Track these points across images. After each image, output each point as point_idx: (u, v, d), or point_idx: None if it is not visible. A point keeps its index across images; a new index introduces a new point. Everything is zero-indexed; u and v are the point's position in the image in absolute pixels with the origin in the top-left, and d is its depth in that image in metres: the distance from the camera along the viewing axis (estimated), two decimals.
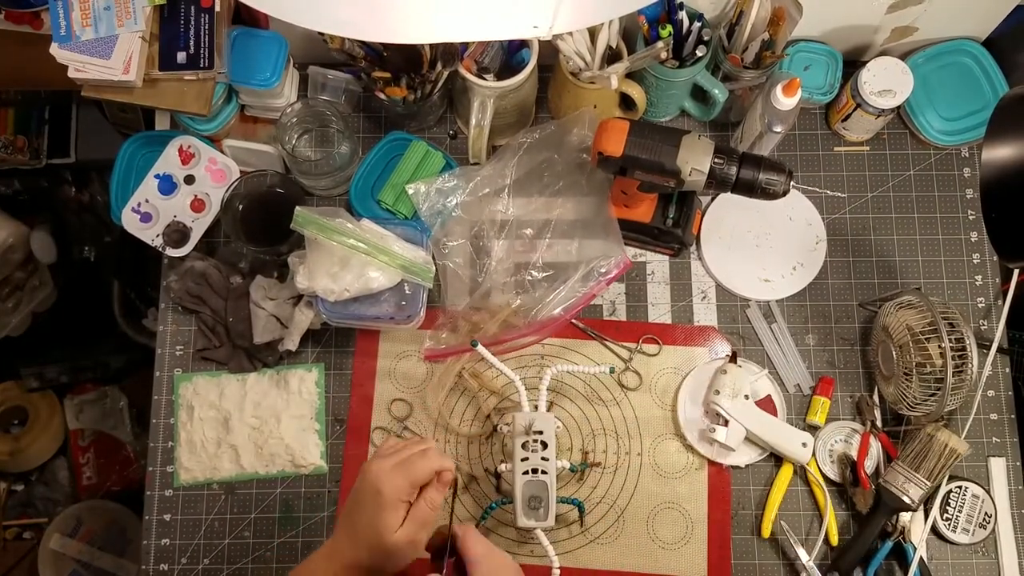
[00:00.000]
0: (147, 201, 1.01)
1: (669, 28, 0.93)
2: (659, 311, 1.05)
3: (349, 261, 0.92)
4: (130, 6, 0.92)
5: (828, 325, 1.05)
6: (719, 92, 1.01)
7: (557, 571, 0.90)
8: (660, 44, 0.93)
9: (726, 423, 0.96)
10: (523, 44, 1.00)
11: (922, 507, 0.97)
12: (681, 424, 1.00)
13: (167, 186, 1.01)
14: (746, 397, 0.97)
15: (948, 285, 1.06)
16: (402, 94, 0.98)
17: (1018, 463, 1.01)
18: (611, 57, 0.99)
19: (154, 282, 1.12)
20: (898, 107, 1.04)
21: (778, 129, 0.96)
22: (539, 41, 0.96)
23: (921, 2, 0.99)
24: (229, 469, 1.01)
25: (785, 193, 0.87)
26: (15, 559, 1.63)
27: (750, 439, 0.98)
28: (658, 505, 0.99)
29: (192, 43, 0.95)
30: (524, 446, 0.91)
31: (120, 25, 0.92)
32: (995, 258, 1.06)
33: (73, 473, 1.68)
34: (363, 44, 0.96)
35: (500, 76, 0.99)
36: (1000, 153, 0.86)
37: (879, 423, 1.01)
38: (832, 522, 0.98)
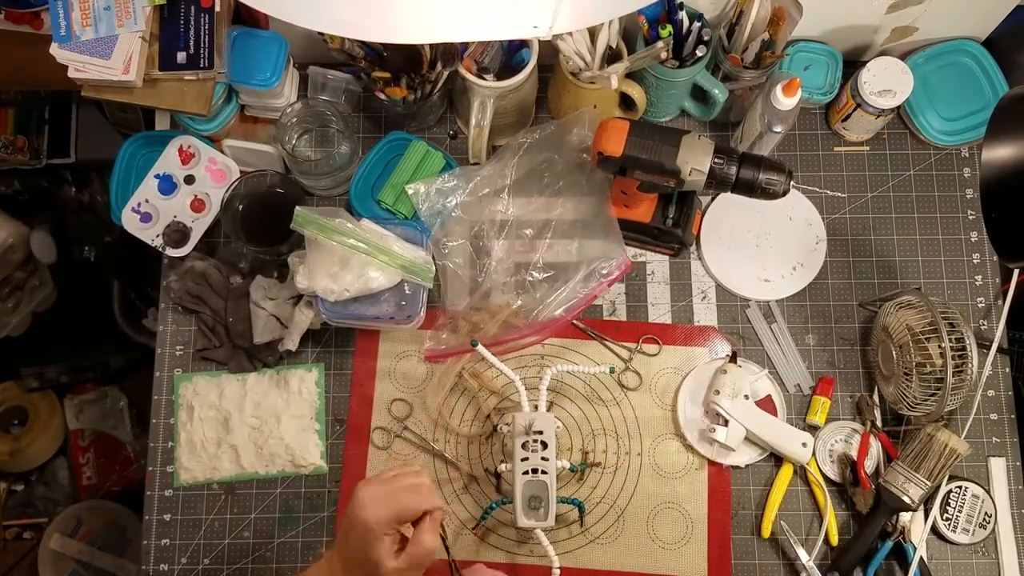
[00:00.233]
0: (147, 201, 1.01)
1: (669, 28, 0.93)
2: (659, 311, 1.05)
3: (349, 261, 0.92)
4: (130, 6, 0.92)
5: (828, 325, 1.05)
6: (719, 92, 1.01)
7: (557, 571, 0.90)
8: (660, 44, 0.93)
9: (726, 423, 0.97)
10: (523, 44, 1.00)
11: (922, 507, 0.97)
12: (681, 424, 1.00)
13: (167, 186, 1.01)
14: (746, 397, 0.97)
15: (948, 285, 1.06)
16: (402, 94, 0.98)
17: (1018, 463, 1.01)
18: (611, 57, 0.99)
19: (154, 282, 1.12)
20: (898, 107, 1.04)
21: (778, 129, 0.96)
22: (539, 41, 0.96)
23: (921, 2, 0.99)
24: (229, 469, 1.01)
25: (785, 193, 0.87)
26: (15, 559, 1.63)
27: (750, 439, 0.98)
28: (658, 505, 0.99)
29: (192, 43, 0.95)
30: (524, 446, 0.91)
31: (120, 25, 0.92)
32: (995, 258, 1.06)
33: (73, 473, 1.68)
34: (363, 44, 0.96)
35: (500, 76, 0.99)
36: (1000, 153, 0.86)
37: (879, 423, 1.01)
38: (832, 522, 0.98)
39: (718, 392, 0.97)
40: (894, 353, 0.96)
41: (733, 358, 1.00)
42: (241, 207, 1.02)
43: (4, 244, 1.47)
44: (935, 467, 0.93)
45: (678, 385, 1.02)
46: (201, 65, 0.95)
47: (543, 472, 0.90)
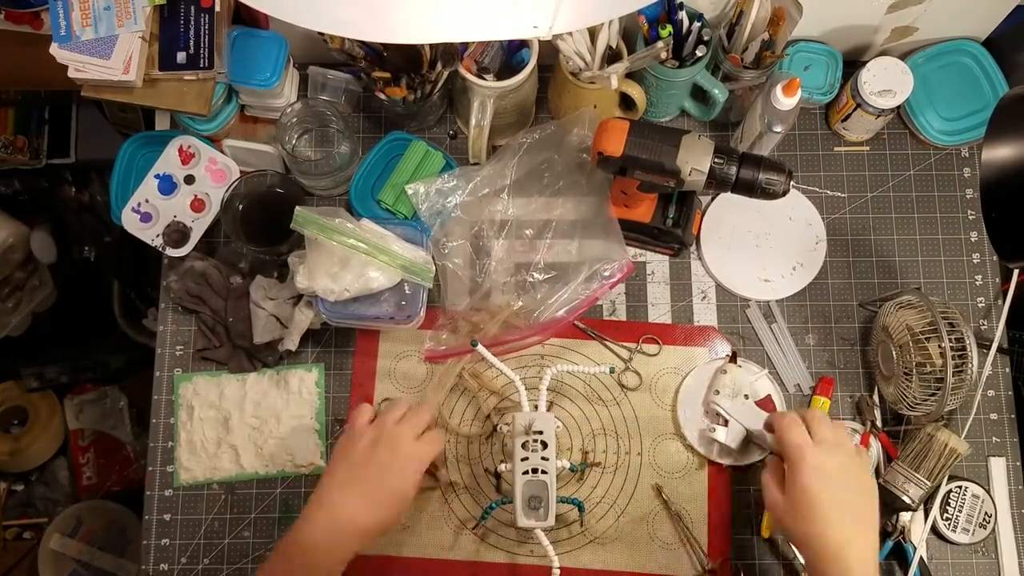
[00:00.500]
0: (147, 201, 1.01)
1: (669, 28, 0.93)
2: (659, 311, 1.05)
3: (349, 261, 0.92)
4: (130, 6, 0.92)
5: (828, 325, 1.05)
6: (719, 92, 1.01)
7: (557, 571, 0.89)
8: (660, 44, 0.93)
9: (726, 423, 0.96)
10: (523, 44, 1.00)
11: (922, 507, 0.97)
12: (681, 424, 1.00)
13: (167, 186, 1.01)
14: (745, 397, 0.97)
15: (948, 285, 1.06)
16: (402, 94, 0.98)
17: (1018, 463, 1.01)
18: (611, 57, 0.99)
19: (154, 282, 1.12)
20: (898, 107, 1.04)
21: (778, 129, 0.96)
22: (539, 41, 0.96)
23: (921, 2, 0.99)
24: (229, 469, 1.01)
25: (785, 193, 0.87)
26: (15, 559, 1.63)
27: (751, 439, 0.98)
28: (658, 505, 0.99)
29: (192, 43, 0.95)
30: (524, 446, 0.91)
31: (120, 25, 0.92)
32: (995, 258, 1.06)
33: (73, 473, 1.68)
34: (363, 44, 0.96)
35: (500, 76, 0.99)
36: (1000, 153, 0.86)
37: (879, 423, 1.01)
38: None
39: (718, 392, 0.97)
40: (894, 353, 0.96)
41: (733, 358, 1.00)
42: (241, 207, 1.02)
43: (4, 244, 1.47)
44: (935, 467, 0.94)
45: (678, 385, 1.02)
46: (201, 65, 0.95)
47: (543, 472, 0.90)
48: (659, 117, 1.10)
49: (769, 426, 0.87)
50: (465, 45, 0.96)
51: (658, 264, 1.07)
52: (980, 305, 1.05)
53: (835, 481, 0.78)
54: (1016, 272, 1.02)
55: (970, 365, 0.90)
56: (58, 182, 1.52)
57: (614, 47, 0.98)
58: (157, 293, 1.06)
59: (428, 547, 0.98)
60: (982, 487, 0.98)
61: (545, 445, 0.90)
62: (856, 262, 1.07)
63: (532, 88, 1.03)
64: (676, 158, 0.86)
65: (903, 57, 1.06)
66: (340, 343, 1.05)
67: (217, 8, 0.95)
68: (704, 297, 1.06)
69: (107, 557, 1.60)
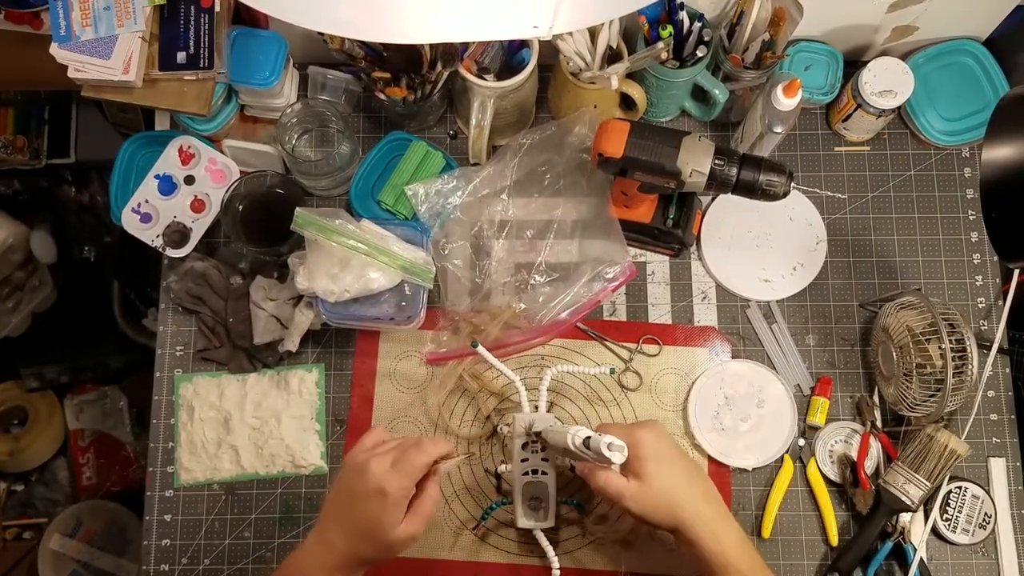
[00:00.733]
0: (147, 201, 1.01)
1: (669, 28, 0.93)
2: (659, 311, 1.05)
3: (349, 262, 0.92)
4: (130, 6, 0.92)
5: (828, 325, 1.05)
6: (719, 92, 1.01)
7: (557, 571, 0.90)
8: (660, 44, 0.93)
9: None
10: (523, 44, 1.00)
11: (922, 508, 0.97)
12: (692, 424, 1.00)
13: (167, 186, 1.01)
14: (536, 434, 0.90)
15: (948, 285, 1.06)
16: (402, 94, 0.98)
17: (1018, 463, 1.01)
18: (611, 57, 0.99)
19: (154, 282, 1.12)
20: (899, 107, 1.04)
21: (779, 130, 0.96)
22: (539, 41, 0.96)
23: (921, 1, 0.99)
24: (229, 469, 1.01)
25: (786, 194, 0.87)
26: (15, 559, 1.63)
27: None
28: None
29: (192, 43, 0.95)
30: (524, 447, 0.91)
31: (120, 25, 0.92)
32: (995, 258, 1.06)
33: (73, 473, 1.68)
34: (363, 44, 0.96)
35: (500, 76, 0.99)
36: (1000, 153, 0.86)
37: (879, 423, 1.01)
38: (832, 523, 0.98)
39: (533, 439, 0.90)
40: (894, 354, 0.96)
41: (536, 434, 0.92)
42: (241, 207, 1.02)
43: (4, 244, 1.47)
44: (935, 468, 0.93)
45: (689, 386, 1.02)
46: (201, 65, 0.95)
47: (543, 473, 0.90)
48: (659, 117, 1.10)
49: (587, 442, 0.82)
50: (465, 45, 0.96)
51: (658, 264, 1.07)
52: (980, 306, 1.05)
53: (670, 447, 0.81)
54: (1016, 272, 1.02)
55: (970, 366, 0.90)
56: (58, 182, 1.52)
57: (614, 47, 0.98)
58: (157, 293, 1.06)
59: (428, 547, 0.98)
60: (982, 488, 0.98)
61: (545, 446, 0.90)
62: (856, 262, 1.06)
63: (532, 88, 1.03)
64: (676, 159, 0.86)
65: (904, 57, 1.06)
66: (340, 344, 1.05)
67: (217, 8, 0.95)
68: (704, 297, 1.06)
69: (107, 557, 1.60)
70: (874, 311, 1.03)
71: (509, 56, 1.01)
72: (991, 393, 1.02)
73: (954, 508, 0.98)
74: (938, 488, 0.96)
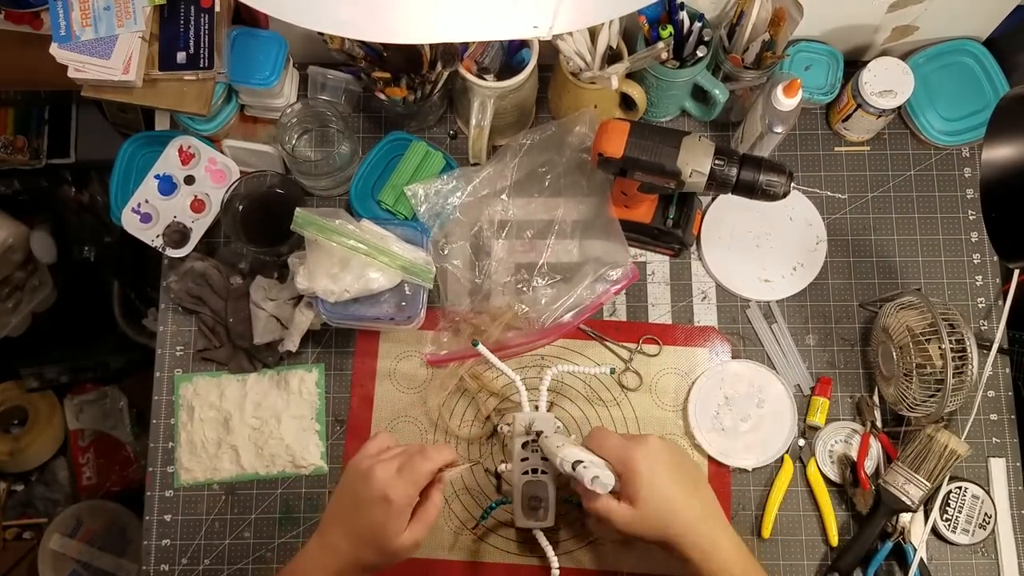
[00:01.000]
0: (147, 201, 1.01)
1: (670, 28, 0.93)
2: (659, 311, 1.05)
3: (349, 262, 0.92)
4: (130, 6, 0.92)
5: (828, 325, 1.05)
6: (720, 92, 1.01)
7: (557, 571, 0.90)
8: (661, 44, 0.93)
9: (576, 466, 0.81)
10: (523, 44, 1.00)
11: (922, 508, 0.97)
12: (692, 425, 1.00)
13: (167, 186, 1.01)
14: (537, 435, 0.90)
15: (948, 285, 1.06)
16: (402, 94, 0.98)
17: (1018, 464, 1.01)
18: (611, 57, 0.99)
19: (154, 282, 1.12)
20: (899, 107, 1.04)
21: (779, 130, 0.96)
22: (539, 41, 0.96)
23: (921, 1, 0.99)
24: (229, 470, 1.01)
25: (786, 195, 0.87)
26: (15, 559, 1.63)
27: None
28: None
29: (192, 43, 0.95)
30: (524, 446, 0.91)
31: (120, 25, 0.92)
32: (995, 258, 1.06)
33: (73, 473, 1.68)
34: (363, 44, 0.96)
35: (500, 76, 0.99)
36: (1000, 153, 0.86)
37: (879, 424, 1.01)
38: (832, 523, 0.98)
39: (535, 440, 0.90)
40: (894, 354, 0.96)
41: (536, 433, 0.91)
42: (241, 207, 1.02)
43: (4, 244, 1.47)
44: (935, 468, 0.93)
45: (689, 386, 1.02)
46: (201, 65, 0.95)
47: (543, 472, 0.90)
48: (659, 117, 1.10)
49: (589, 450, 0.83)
50: (465, 45, 0.96)
51: (658, 264, 1.07)
52: (980, 306, 1.05)
53: (668, 464, 0.78)
54: (1016, 272, 1.02)
55: (970, 366, 0.90)
56: (58, 182, 1.52)
57: (614, 47, 0.98)
58: (157, 293, 1.06)
59: (428, 547, 0.98)
60: (982, 488, 0.98)
61: None
62: (857, 262, 1.06)
63: (532, 88, 1.03)
64: (677, 160, 0.86)
65: (904, 57, 1.06)
66: (340, 344, 1.05)
67: (217, 8, 0.95)
68: (704, 297, 1.06)
69: (107, 557, 1.60)
70: (874, 311, 1.03)
71: (509, 56, 1.01)
72: (991, 393, 1.02)
73: (954, 508, 0.98)
74: (938, 488, 0.96)
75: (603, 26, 0.95)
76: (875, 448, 0.99)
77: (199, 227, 1.01)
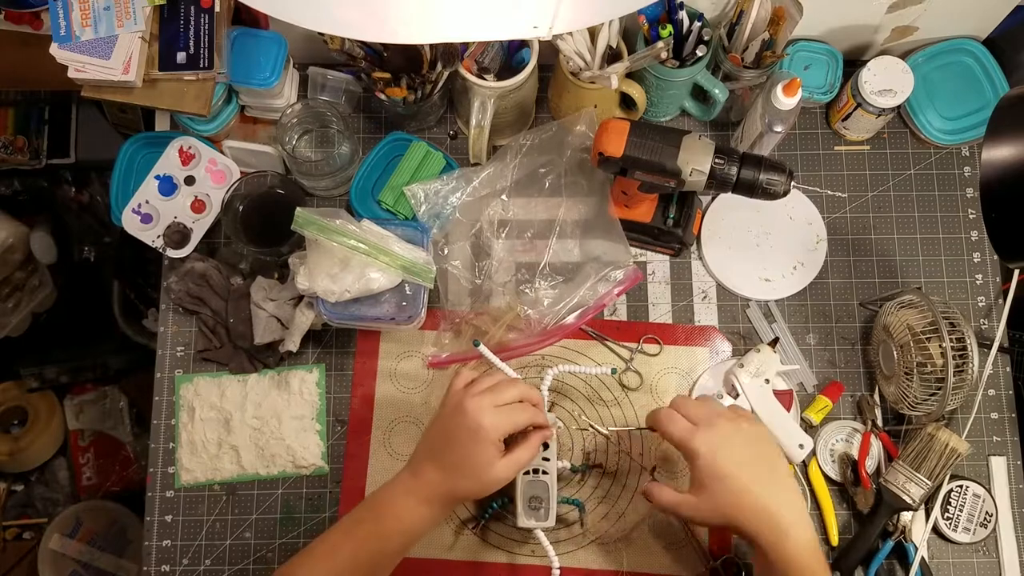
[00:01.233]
0: (147, 202, 1.01)
1: (669, 28, 0.93)
2: (660, 311, 1.05)
3: (350, 262, 0.92)
4: (130, 6, 0.92)
5: (829, 324, 1.05)
6: (719, 92, 1.01)
7: (557, 571, 0.89)
8: (660, 44, 0.93)
9: (736, 396, 0.97)
10: (523, 44, 1.00)
11: (923, 507, 0.97)
12: None
13: (167, 187, 1.01)
14: (766, 381, 0.97)
15: (949, 284, 1.06)
16: (402, 94, 0.98)
17: (1019, 462, 1.01)
18: (611, 57, 0.99)
19: (154, 283, 1.12)
20: (898, 106, 1.04)
21: (778, 129, 0.96)
22: (539, 41, 0.96)
23: (921, 1, 0.99)
24: (230, 470, 1.01)
25: (786, 193, 0.87)
26: (15, 559, 1.63)
27: None
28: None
29: (192, 43, 0.95)
30: None
31: (120, 25, 0.92)
32: (995, 257, 1.06)
33: (73, 473, 1.68)
34: (363, 44, 0.96)
35: (500, 76, 0.99)
36: (1000, 153, 0.85)
37: (880, 422, 1.01)
38: (833, 522, 0.98)
39: (742, 366, 0.98)
40: (895, 353, 0.96)
41: (774, 343, 1.00)
42: (241, 208, 1.02)
43: (4, 244, 1.47)
44: (936, 467, 0.93)
45: (694, 382, 1.02)
46: (201, 65, 0.95)
47: (544, 472, 0.90)
48: (659, 117, 1.10)
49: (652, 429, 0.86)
50: (465, 45, 0.96)
51: (659, 264, 1.07)
52: (981, 304, 1.05)
53: (733, 450, 0.78)
54: (1016, 272, 1.02)
55: (971, 365, 0.90)
56: (58, 182, 1.52)
57: (614, 47, 0.98)
58: (157, 294, 1.06)
59: (428, 547, 0.98)
60: (983, 486, 0.98)
61: (546, 445, 0.90)
62: (857, 261, 1.06)
63: (532, 88, 1.03)
64: (677, 159, 0.86)
65: (904, 56, 1.06)
66: (341, 344, 1.05)
67: (217, 8, 0.95)
68: (705, 297, 1.06)
69: (107, 557, 1.60)
70: (874, 310, 1.03)
71: (509, 56, 1.01)
72: (992, 392, 1.03)
73: (955, 507, 0.98)
74: (939, 487, 0.96)
75: (603, 26, 0.95)
76: (876, 447, 0.99)
77: (199, 227, 1.01)
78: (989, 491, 0.99)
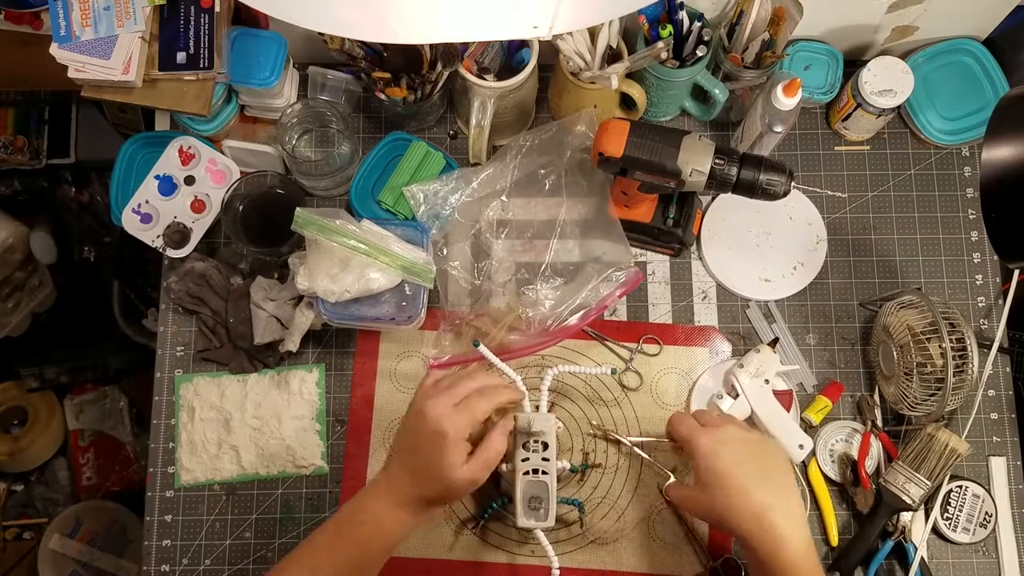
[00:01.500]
0: (147, 202, 1.01)
1: (669, 28, 0.93)
2: (660, 311, 1.05)
3: (349, 262, 0.92)
4: (130, 6, 0.92)
5: (829, 325, 1.05)
6: (719, 92, 1.01)
7: (557, 571, 0.89)
8: (660, 44, 0.93)
9: (736, 397, 0.97)
10: (523, 44, 1.00)
11: (923, 507, 0.97)
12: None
13: (167, 187, 1.01)
14: (766, 382, 0.97)
15: (948, 285, 1.06)
16: (402, 94, 0.98)
17: (1019, 462, 1.01)
18: (611, 57, 0.99)
19: (154, 283, 1.12)
20: (899, 107, 1.04)
21: (779, 129, 0.96)
22: (539, 41, 0.96)
23: (921, 1, 0.99)
24: (230, 470, 1.01)
25: (786, 194, 0.87)
26: (15, 559, 1.63)
27: (753, 421, 0.98)
28: (659, 505, 0.99)
29: (192, 43, 0.95)
30: (525, 446, 0.91)
31: (120, 25, 0.92)
32: (995, 257, 1.06)
33: (73, 473, 1.68)
34: (363, 44, 0.96)
35: (500, 76, 0.99)
36: (1000, 153, 0.85)
37: (880, 423, 1.01)
38: (832, 522, 0.98)
39: (742, 366, 0.98)
40: (895, 353, 0.96)
41: (774, 343, 1.00)
42: (241, 208, 1.02)
43: (4, 244, 1.47)
44: (936, 467, 0.93)
45: (692, 382, 1.02)
46: (201, 65, 0.95)
47: (543, 472, 0.90)
48: (659, 117, 1.10)
49: (669, 434, 0.87)
50: (465, 45, 0.96)
51: (658, 264, 1.07)
52: (980, 305, 1.05)
53: (734, 452, 0.79)
54: (1016, 272, 1.02)
55: (971, 365, 0.90)
56: (58, 182, 1.52)
57: (614, 47, 0.98)
58: (157, 294, 1.06)
59: (428, 547, 0.98)
60: (983, 487, 0.98)
61: (546, 446, 0.90)
62: (857, 262, 1.06)
63: (532, 88, 1.03)
64: (677, 159, 0.86)
65: (904, 56, 1.06)
66: (341, 344, 1.05)
67: (217, 8, 0.95)
68: (704, 297, 1.06)
69: (107, 557, 1.60)
70: (874, 310, 1.03)
71: (509, 56, 1.01)
72: (991, 392, 1.03)
73: (955, 507, 0.98)
74: (939, 487, 0.96)
75: (603, 26, 0.95)
76: (876, 447, 0.99)
77: (199, 227, 1.01)
78: (989, 491, 0.99)
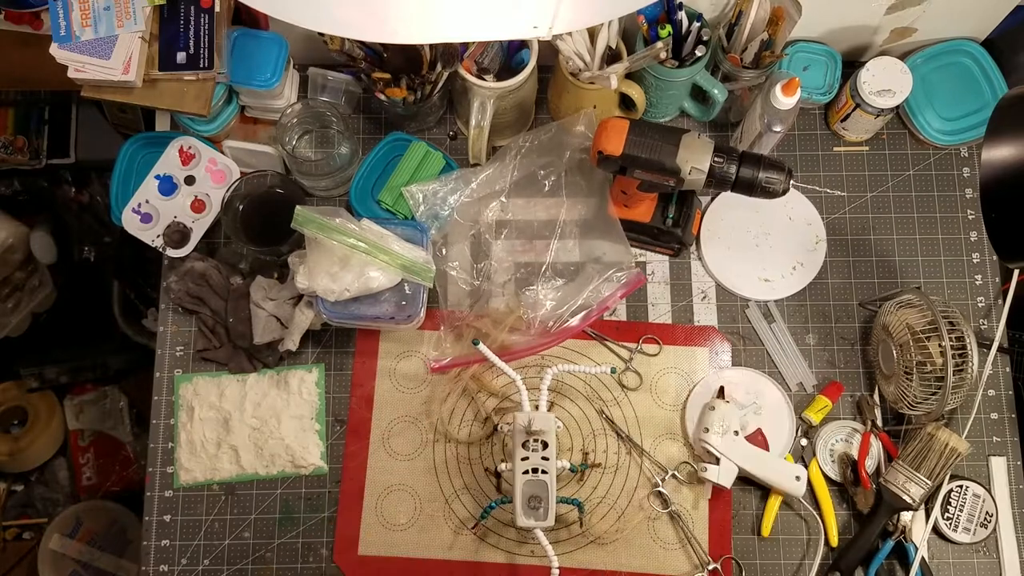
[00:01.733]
0: (147, 202, 1.01)
1: (668, 28, 0.94)
2: (659, 311, 1.05)
3: (349, 261, 0.92)
4: (130, 6, 0.92)
5: (828, 325, 1.05)
6: (718, 92, 1.01)
7: (556, 571, 0.89)
8: (659, 44, 0.93)
9: (717, 461, 0.96)
10: (523, 44, 1.00)
11: (923, 507, 0.97)
12: (690, 434, 1.00)
13: (167, 187, 1.01)
14: (736, 433, 0.96)
15: (948, 284, 1.06)
16: (402, 95, 0.98)
17: (1019, 462, 1.01)
18: (611, 57, 0.99)
19: (154, 283, 1.12)
20: (897, 107, 1.04)
21: (777, 129, 0.96)
22: (539, 41, 0.96)
23: (920, 3, 0.99)
24: (229, 470, 1.01)
25: (785, 192, 0.87)
26: (15, 559, 1.63)
27: (743, 475, 0.97)
28: (658, 505, 0.99)
29: (192, 43, 0.95)
30: (524, 446, 0.91)
31: (120, 25, 0.92)
32: (995, 257, 1.06)
33: (73, 473, 1.68)
34: (363, 45, 0.96)
35: (500, 77, 0.99)
36: (1000, 153, 0.86)
37: (880, 422, 1.01)
38: (832, 522, 0.98)
39: (707, 430, 0.96)
40: (894, 352, 0.96)
41: (721, 394, 0.99)
42: (241, 208, 1.02)
43: (4, 244, 1.47)
44: (936, 466, 0.94)
45: (687, 394, 1.02)
46: (201, 65, 0.95)
47: (543, 472, 0.90)
48: (659, 117, 1.10)
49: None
50: (465, 46, 0.96)
51: (658, 264, 1.07)
52: (980, 304, 1.05)
53: None
54: (1016, 272, 1.02)
55: (970, 364, 0.90)
56: (58, 182, 1.52)
57: (614, 47, 0.98)
58: (157, 293, 1.06)
59: (428, 547, 0.98)
60: (983, 486, 0.98)
61: (545, 445, 0.90)
62: (856, 262, 1.07)
63: (532, 88, 1.03)
64: (676, 157, 0.86)
65: (902, 57, 1.06)
66: (340, 343, 1.05)
67: (217, 8, 0.95)
68: (704, 297, 1.06)
69: (107, 557, 1.60)
70: (874, 310, 1.03)
71: (509, 56, 1.01)
72: (991, 392, 1.03)
73: (955, 507, 0.98)
74: (939, 487, 0.96)
75: (602, 26, 0.95)
76: (876, 447, 0.99)
77: (199, 227, 1.01)
78: (989, 491, 0.99)
